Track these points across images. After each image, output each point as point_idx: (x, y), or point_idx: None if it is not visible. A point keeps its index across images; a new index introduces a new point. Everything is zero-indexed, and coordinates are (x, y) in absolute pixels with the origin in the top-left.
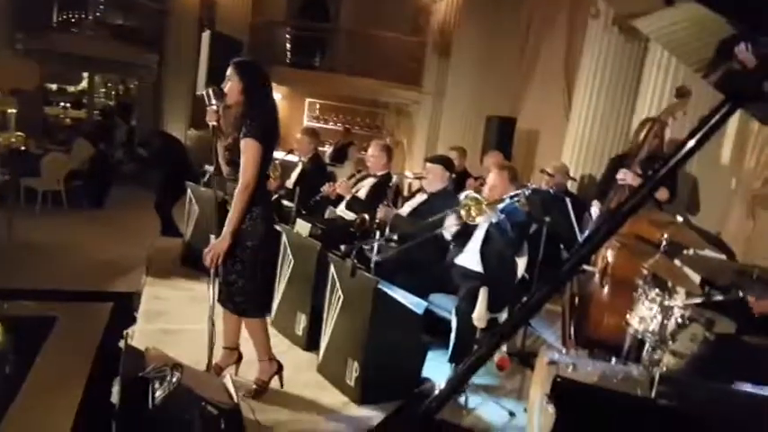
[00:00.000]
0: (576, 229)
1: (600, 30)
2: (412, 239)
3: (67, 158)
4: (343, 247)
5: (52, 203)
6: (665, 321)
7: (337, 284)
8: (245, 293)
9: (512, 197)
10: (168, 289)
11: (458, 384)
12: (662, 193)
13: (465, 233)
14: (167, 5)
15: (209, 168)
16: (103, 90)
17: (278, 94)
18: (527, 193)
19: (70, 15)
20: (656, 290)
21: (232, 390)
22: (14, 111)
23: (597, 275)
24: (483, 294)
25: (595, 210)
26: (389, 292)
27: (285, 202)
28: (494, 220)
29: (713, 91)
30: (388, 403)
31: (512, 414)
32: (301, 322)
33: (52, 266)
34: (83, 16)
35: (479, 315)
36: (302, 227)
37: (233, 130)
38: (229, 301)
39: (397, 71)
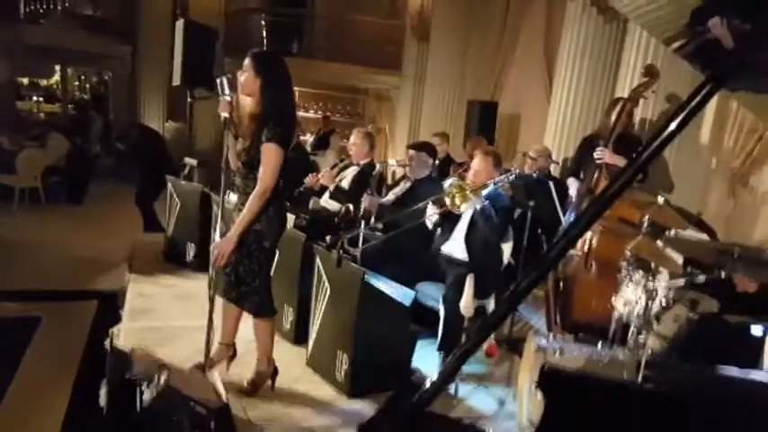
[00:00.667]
0: (560, 213)
1: (578, 11)
2: (397, 228)
3: (43, 154)
4: (328, 238)
5: (30, 201)
6: (650, 303)
7: (324, 276)
8: (260, 293)
9: (496, 183)
10: (152, 285)
11: (447, 377)
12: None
13: (450, 220)
14: None
15: (189, 161)
16: (77, 83)
17: None
18: (511, 178)
19: (38, 6)
20: (640, 272)
21: (221, 388)
22: None
23: (580, 259)
24: (469, 282)
25: (572, 189)
26: (376, 282)
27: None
28: (478, 207)
29: (686, 71)
30: (379, 395)
31: (501, 401)
32: (289, 315)
33: (32, 265)
34: (51, 7)
35: (466, 303)
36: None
37: (251, 132)
38: (244, 300)
39: (376, 56)
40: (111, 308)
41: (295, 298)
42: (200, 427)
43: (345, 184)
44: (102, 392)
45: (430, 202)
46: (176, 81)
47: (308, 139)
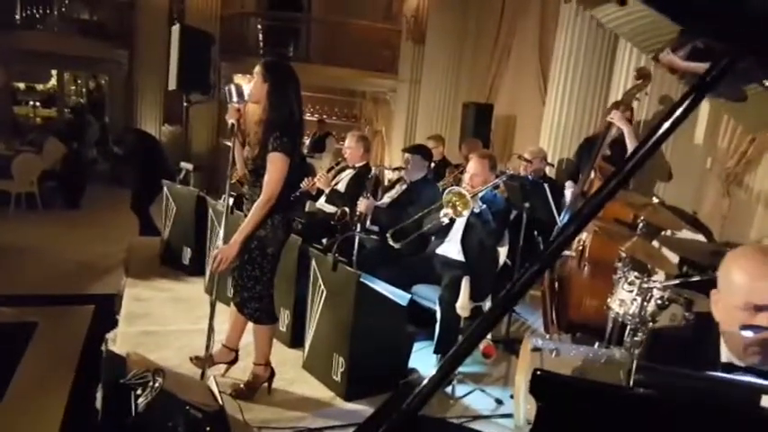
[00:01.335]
0: (556, 214)
1: (572, 14)
2: (400, 233)
3: (39, 159)
4: (324, 241)
5: (26, 206)
6: (645, 303)
7: (319, 279)
8: (262, 299)
9: (492, 186)
10: (149, 290)
11: (443, 377)
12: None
13: (446, 223)
14: None
15: (185, 165)
16: (74, 87)
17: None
18: (504, 178)
19: (34, 11)
20: (635, 272)
21: (216, 392)
22: None
23: (576, 260)
24: (465, 284)
25: (569, 192)
26: (372, 285)
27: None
28: (475, 210)
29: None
30: (376, 397)
31: (499, 401)
32: (285, 318)
33: (28, 270)
34: (47, 12)
35: (463, 304)
36: None
37: (258, 139)
38: (244, 306)
39: (372, 59)
40: (107, 312)
41: (291, 301)
42: (196, 431)
43: (341, 187)
44: (99, 396)
45: (435, 219)
46: (172, 85)
47: (304, 141)
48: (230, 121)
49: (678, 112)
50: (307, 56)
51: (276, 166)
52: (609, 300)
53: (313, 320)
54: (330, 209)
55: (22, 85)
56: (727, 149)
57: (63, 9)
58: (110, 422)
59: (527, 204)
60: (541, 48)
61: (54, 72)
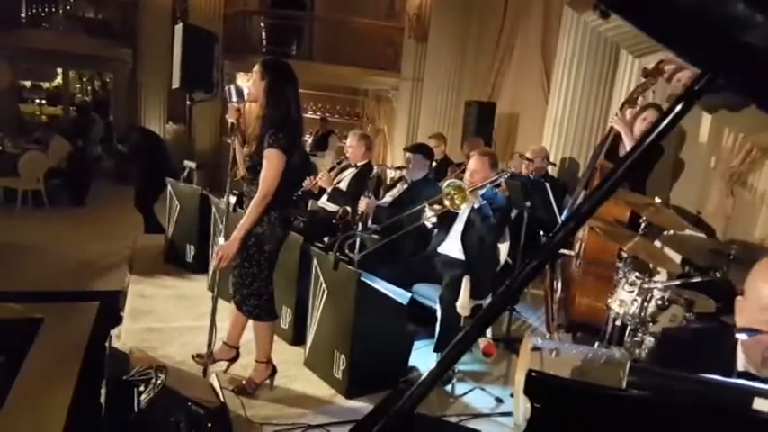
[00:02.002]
0: (557, 214)
1: (575, 12)
2: (395, 231)
3: (45, 156)
4: (326, 240)
5: (33, 203)
6: (645, 304)
7: (321, 278)
8: (261, 296)
9: (492, 182)
10: (153, 287)
11: (442, 371)
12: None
13: (446, 221)
14: None
15: (189, 164)
16: (79, 85)
17: None
18: (506, 176)
19: (39, 10)
20: (636, 273)
21: (218, 388)
22: None
23: (577, 259)
24: (466, 282)
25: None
26: (373, 284)
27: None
28: (475, 206)
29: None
30: (377, 394)
31: (498, 400)
32: (287, 316)
33: (34, 267)
34: (53, 10)
35: (463, 303)
36: None
37: (255, 136)
38: (243, 303)
39: (374, 57)
40: (112, 309)
41: (293, 299)
42: (198, 427)
43: (343, 185)
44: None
45: (426, 205)
46: (176, 84)
47: (307, 140)
48: (230, 120)
49: (666, 122)
50: (309, 54)
51: (272, 162)
52: (609, 300)
53: (314, 318)
54: (332, 207)
55: (28, 84)
56: (731, 148)
57: (68, 7)
58: (113, 418)
59: (528, 203)
60: (544, 46)
61: (59, 70)
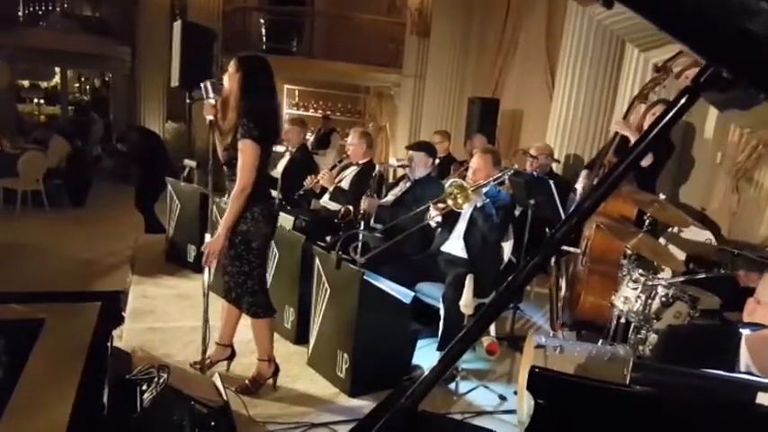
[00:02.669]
0: (561, 211)
1: (580, 7)
2: (398, 231)
3: (45, 157)
4: (328, 239)
5: (32, 203)
6: (649, 301)
7: (323, 277)
8: (255, 294)
9: (495, 180)
10: (154, 287)
11: (445, 367)
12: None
13: (449, 219)
14: None
15: (189, 162)
16: (77, 85)
17: None
18: (509, 173)
19: (36, 8)
20: (640, 270)
21: (221, 387)
22: None
23: (583, 257)
24: (469, 281)
25: (579, 185)
26: (375, 282)
27: (271, 192)
28: (478, 204)
29: None
30: (380, 393)
31: (502, 398)
32: (290, 316)
33: (35, 268)
34: (50, 8)
35: (466, 302)
36: (286, 220)
37: (229, 129)
38: (240, 302)
39: (376, 54)
40: (113, 309)
41: (295, 298)
42: (201, 426)
43: (345, 184)
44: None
45: (431, 204)
46: (175, 82)
47: (309, 138)
48: (208, 117)
49: (670, 116)
50: (310, 51)
51: (246, 153)
52: (613, 297)
53: (317, 317)
54: (334, 206)
55: (26, 83)
56: (737, 143)
57: (65, 5)
58: (116, 418)
59: (532, 201)
60: (549, 42)
61: (57, 69)
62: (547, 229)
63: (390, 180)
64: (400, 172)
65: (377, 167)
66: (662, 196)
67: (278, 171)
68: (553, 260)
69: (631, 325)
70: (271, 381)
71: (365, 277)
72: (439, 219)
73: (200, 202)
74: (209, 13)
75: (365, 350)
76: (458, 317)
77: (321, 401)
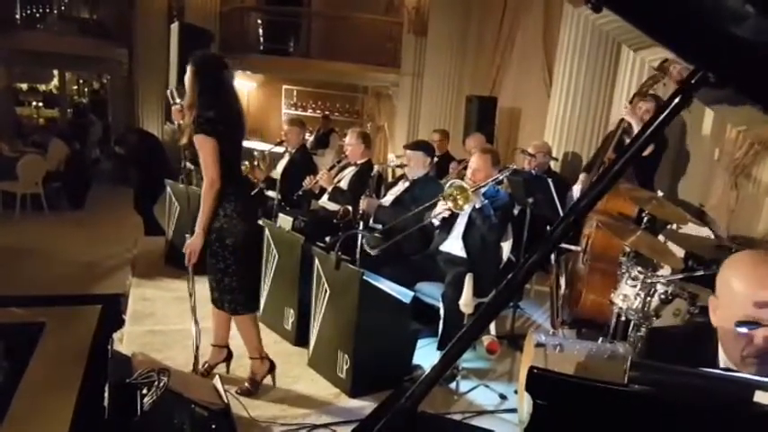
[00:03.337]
0: (560, 210)
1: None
2: (397, 230)
3: (43, 160)
4: (327, 239)
5: (32, 207)
6: (648, 298)
7: (323, 278)
8: (233, 291)
9: (494, 180)
10: (154, 289)
11: (446, 365)
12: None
13: (448, 219)
14: None
15: (188, 164)
16: (75, 87)
17: (253, 83)
18: (507, 173)
19: (33, 11)
20: (639, 268)
21: (221, 390)
22: None
23: (582, 255)
24: (468, 280)
25: (577, 188)
26: (375, 283)
27: (270, 193)
28: (477, 205)
29: None
30: (381, 393)
31: (503, 397)
32: (290, 317)
33: (35, 271)
34: (47, 11)
35: (466, 301)
36: (284, 221)
37: (186, 128)
38: (219, 299)
39: (373, 53)
40: (114, 312)
41: (295, 299)
42: (202, 429)
43: (344, 184)
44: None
45: (440, 201)
46: (172, 84)
47: (308, 138)
48: (177, 122)
49: (664, 114)
50: (307, 51)
51: (201, 147)
52: (612, 295)
53: (317, 318)
54: (333, 207)
55: (24, 86)
56: (735, 140)
57: (62, 8)
58: (116, 421)
59: (530, 200)
60: (546, 39)
61: (56, 72)
62: (548, 228)
63: (389, 180)
64: (399, 171)
65: (375, 167)
66: (660, 193)
67: (277, 172)
68: (553, 258)
69: (631, 323)
70: (269, 378)
71: (365, 277)
72: (446, 214)
73: (198, 203)
74: (207, 14)
75: (365, 350)
76: (458, 316)
77: (322, 402)
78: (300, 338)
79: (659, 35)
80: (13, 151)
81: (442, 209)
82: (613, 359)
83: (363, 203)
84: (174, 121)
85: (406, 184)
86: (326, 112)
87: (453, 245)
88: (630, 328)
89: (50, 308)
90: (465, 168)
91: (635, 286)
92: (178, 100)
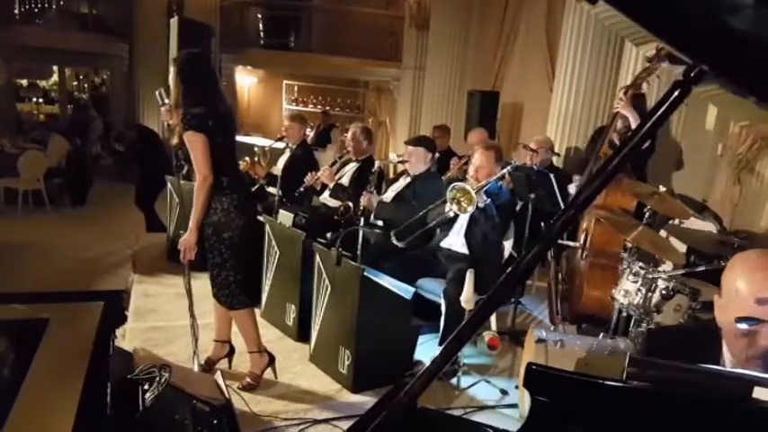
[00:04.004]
0: (562, 204)
1: None
2: (396, 225)
3: (44, 156)
4: (328, 235)
5: (34, 203)
6: (650, 294)
7: (324, 274)
8: (229, 286)
9: (497, 179)
10: (156, 285)
11: (445, 359)
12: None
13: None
14: None
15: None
16: (75, 83)
17: (254, 78)
18: (509, 169)
19: (32, 6)
20: (640, 263)
21: (223, 385)
22: None
23: (582, 250)
24: (470, 276)
25: (573, 187)
26: (376, 279)
27: (271, 189)
28: (480, 205)
29: None
30: (382, 389)
31: (504, 392)
32: (291, 313)
33: (38, 268)
34: (46, 6)
35: (467, 297)
36: (285, 217)
37: (175, 126)
38: (217, 294)
39: (375, 48)
40: (117, 308)
41: (296, 295)
42: (204, 424)
43: (345, 181)
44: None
45: (444, 212)
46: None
47: (309, 134)
48: (166, 122)
49: (664, 108)
50: (308, 45)
51: (190, 144)
52: (613, 290)
53: (319, 314)
54: (334, 203)
55: (24, 82)
56: (738, 135)
57: (62, 3)
58: (119, 417)
59: (533, 195)
60: (548, 33)
61: (55, 68)
62: (543, 223)
63: (391, 176)
64: (400, 167)
65: (377, 163)
66: (662, 188)
67: (278, 168)
68: (551, 255)
69: (632, 318)
70: (270, 371)
71: (366, 274)
72: (451, 214)
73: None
74: (207, 8)
75: (367, 346)
76: (459, 312)
77: (323, 398)
78: (302, 334)
79: (654, 27)
80: (15, 148)
81: (449, 209)
82: (614, 355)
83: (364, 200)
84: (164, 120)
85: (408, 180)
86: (326, 108)
87: (455, 241)
88: (632, 323)
89: (54, 304)
90: (466, 164)
91: (636, 282)
92: (166, 100)
